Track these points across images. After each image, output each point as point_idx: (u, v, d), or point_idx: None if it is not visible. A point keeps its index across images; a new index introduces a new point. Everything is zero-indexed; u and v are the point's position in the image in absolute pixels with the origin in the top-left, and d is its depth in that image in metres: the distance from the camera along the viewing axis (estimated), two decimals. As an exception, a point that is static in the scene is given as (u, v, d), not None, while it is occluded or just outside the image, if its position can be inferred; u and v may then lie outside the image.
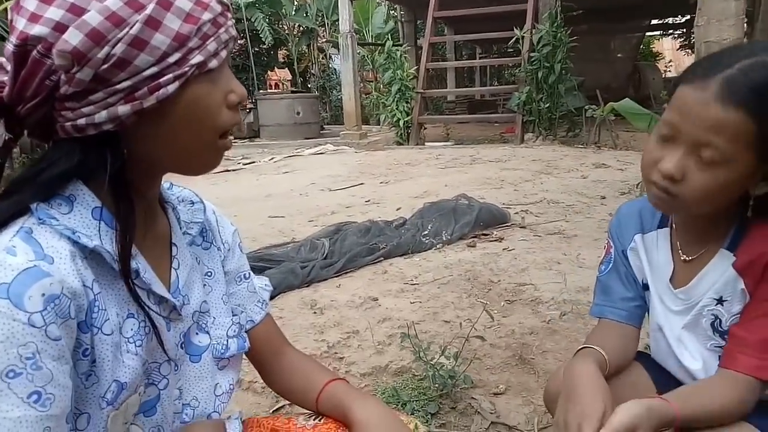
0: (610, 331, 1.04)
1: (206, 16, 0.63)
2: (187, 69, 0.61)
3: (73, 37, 0.56)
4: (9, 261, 0.55)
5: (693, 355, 0.97)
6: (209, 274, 0.84)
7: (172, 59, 0.60)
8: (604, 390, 0.88)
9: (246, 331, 0.88)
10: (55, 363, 0.56)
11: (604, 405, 0.85)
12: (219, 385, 0.82)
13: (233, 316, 0.85)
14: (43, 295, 0.55)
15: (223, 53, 0.65)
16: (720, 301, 0.91)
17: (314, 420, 0.87)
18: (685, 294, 0.96)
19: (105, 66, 0.58)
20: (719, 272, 0.91)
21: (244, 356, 0.88)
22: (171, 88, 0.61)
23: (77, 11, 0.57)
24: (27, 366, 0.54)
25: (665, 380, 1.05)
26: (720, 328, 0.93)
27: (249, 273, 0.91)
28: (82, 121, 0.60)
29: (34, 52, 0.57)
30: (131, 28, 0.57)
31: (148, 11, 0.58)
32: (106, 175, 0.62)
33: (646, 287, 1.06)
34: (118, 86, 0.59)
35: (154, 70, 0.59)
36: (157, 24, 0.59)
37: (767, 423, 0.89)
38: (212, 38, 0.63)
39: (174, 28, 0.60)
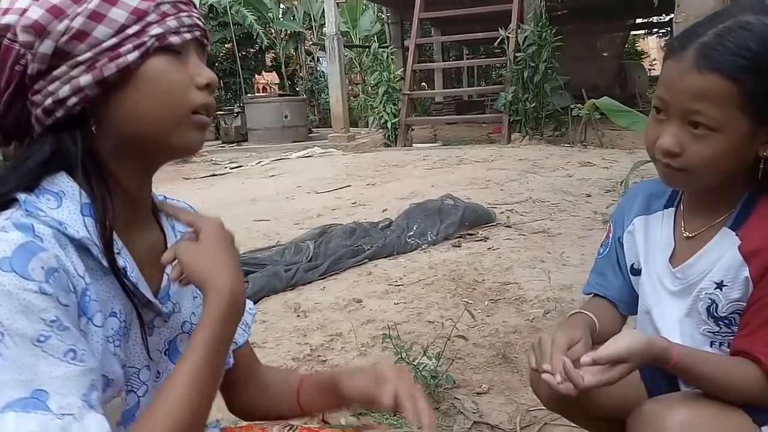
0: (602, 306, 1.06)
1: None
2: (146, 39, 0.63)
3: (34, 13, 0.60)
4: (4, 237, 0.56)
5: (682, 342, 0.94)
6: None
7: (131, 31, 0.62)
8: (588, 338, 0.93)
9: None
10: (74, 326, 0.58)
11: (583, 338, 0.91)
12: None
13: None
14: (43, 268, 0.56)
15: (187, 35, 0.66)
16: (720, 285, 0.89)
17: (288, 431, 0.86)
18: (683, 272, 0.94)
19: (65, 37, 0.61)
20: (720, 252, 0.89)
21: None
22: (131, 57, 0.62)
23: None
24: (54, 328, 0.55)
25: (648, 368, 1.05)
26: (715, 314, 0.91)
27: None
28: (49, 102, 0.62)
29: (4, 41, 0.61)
30: (89, 3, 0.61)
31: None
32: (78, 153, 0.64)
33: (637, 272, 1.05)
34: (80, 58, 0.61)
35: (113, 41, 0.62)
36: (115, 0, 0.62)
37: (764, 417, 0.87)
38: (172, 17, 0.65)
39: (132, 4, 0.63)
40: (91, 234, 0.63)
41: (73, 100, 0.62)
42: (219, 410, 1.78)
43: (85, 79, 0.62)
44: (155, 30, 0.63)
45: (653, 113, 0.87)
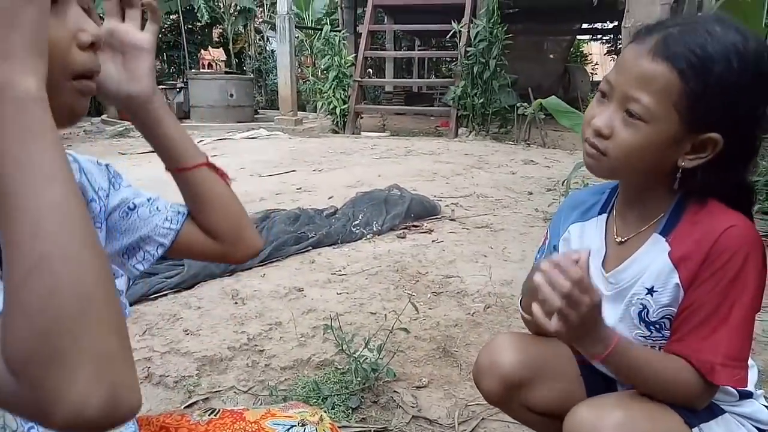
0: None
1: None
2: None
3: None
4: None
5: None
6: None
7: None
8: None
9: (170, 244, 0.82)
10: None
11: None
12: None
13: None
14: None
15: None
16: (651, 291, 0.91)
17: (209, 415, 0.84)
18: (615, 277, 0.95)
19: None
20: (650, 258, 0.91)
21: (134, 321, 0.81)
22: None
23: None
24: None
25: (588, 367, 1.06)
26: (647, 319, 0.93)
27: (138, 201, 0.83)
28: None
29: None
30: None
31: None
32: None
33: None
34: None
35: None
36: None
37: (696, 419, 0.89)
38: None
39: None
40: None
41: None
42: (147, 399, 1.69)
43: None
44: None
45: (597, 97, 0.88)
